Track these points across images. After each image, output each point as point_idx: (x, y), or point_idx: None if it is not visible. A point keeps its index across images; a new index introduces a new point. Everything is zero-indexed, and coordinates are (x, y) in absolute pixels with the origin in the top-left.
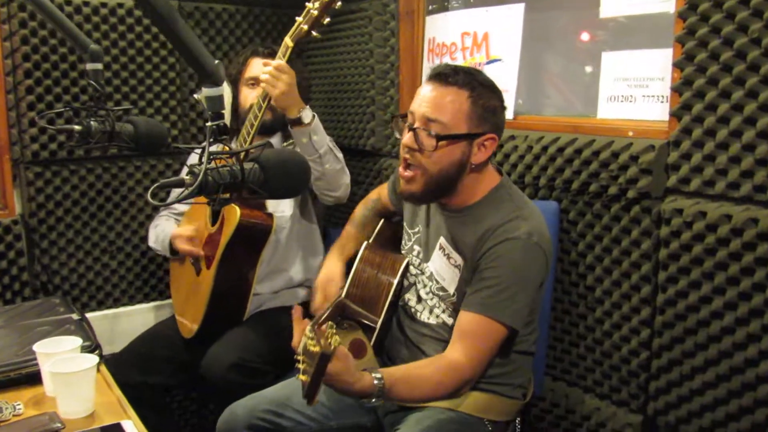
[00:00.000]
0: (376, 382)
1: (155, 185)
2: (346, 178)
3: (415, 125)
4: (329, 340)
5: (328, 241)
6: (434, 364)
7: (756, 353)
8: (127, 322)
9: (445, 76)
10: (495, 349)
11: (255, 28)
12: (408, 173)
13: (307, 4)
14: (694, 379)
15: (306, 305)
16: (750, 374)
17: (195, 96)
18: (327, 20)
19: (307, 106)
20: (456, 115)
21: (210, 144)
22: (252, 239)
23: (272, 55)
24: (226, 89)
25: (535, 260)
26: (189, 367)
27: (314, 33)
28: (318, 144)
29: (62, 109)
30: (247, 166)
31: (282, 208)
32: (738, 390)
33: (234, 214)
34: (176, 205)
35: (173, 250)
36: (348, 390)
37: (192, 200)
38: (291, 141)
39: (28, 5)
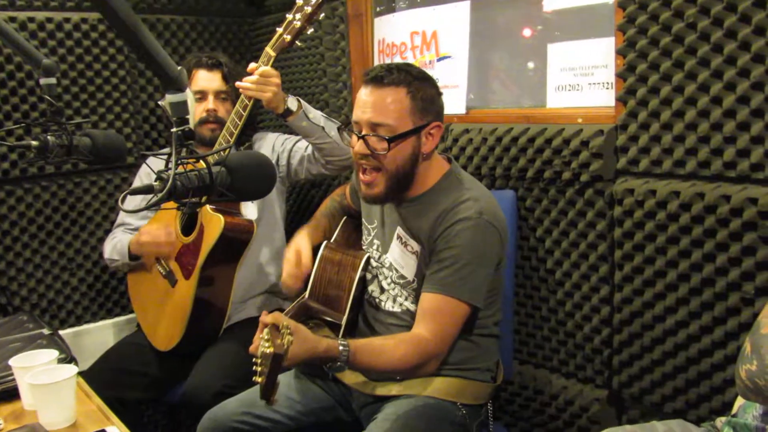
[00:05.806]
0: (341, 348)
1: (125, 192)
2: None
3: (363, 132)
4: (282, 340)
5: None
6: (398, 337)
7: (710, 320)
8: (90, 339)
9: (380, 78)
10: (458, 326)
11: (204, 38)
12: (367, 177)
13: (287, 15)
14: (654, 351)
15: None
16: (706, 341)
17: (159, 103)
18: (310, 30)
19: (288, 96)
20: (400, 114)
21: (177, 149)
22: (234, 247)
23: (216, 65)
24: (189, 95)
25: (489, 238)
26: (163, 382)
27: (298, 43)
28: (316, 119)
29: (19, 125)
30: (214, 170)
31: (246, 212)
32: (695, 357)
33: (217, 222)
34: (132, 221)
35: (132, 256)
36: (314, 352)
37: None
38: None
39: None
